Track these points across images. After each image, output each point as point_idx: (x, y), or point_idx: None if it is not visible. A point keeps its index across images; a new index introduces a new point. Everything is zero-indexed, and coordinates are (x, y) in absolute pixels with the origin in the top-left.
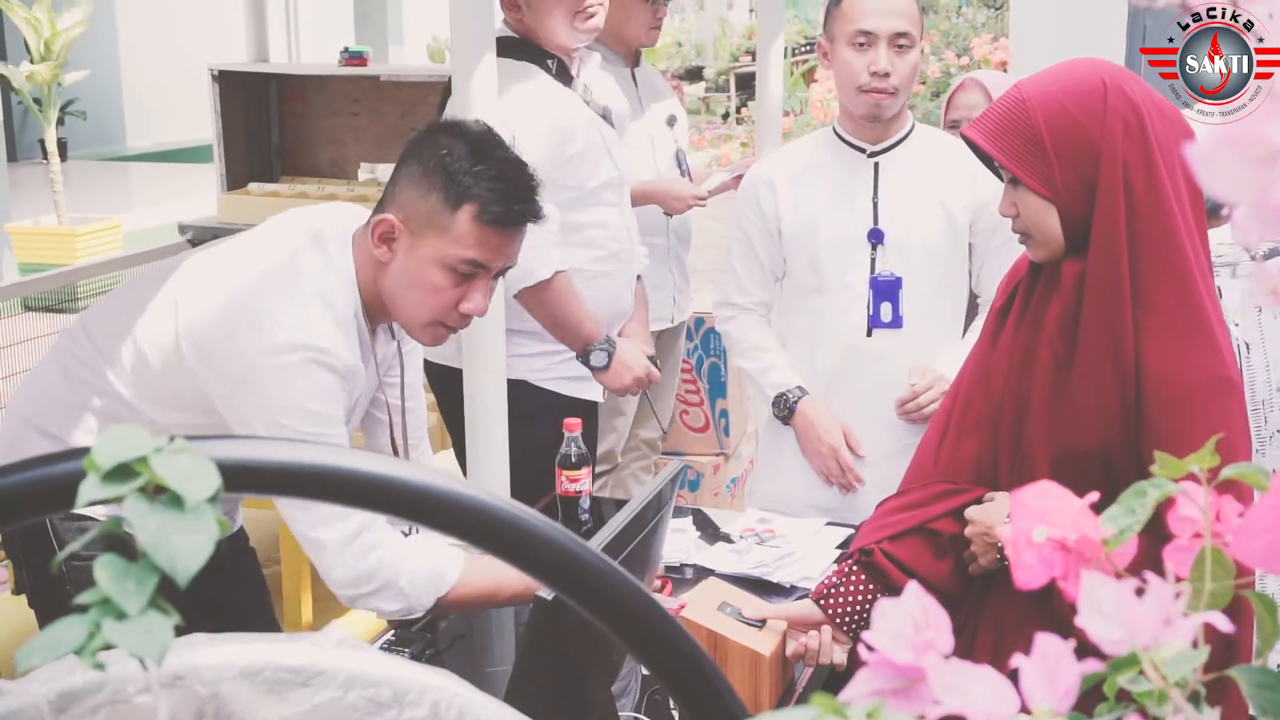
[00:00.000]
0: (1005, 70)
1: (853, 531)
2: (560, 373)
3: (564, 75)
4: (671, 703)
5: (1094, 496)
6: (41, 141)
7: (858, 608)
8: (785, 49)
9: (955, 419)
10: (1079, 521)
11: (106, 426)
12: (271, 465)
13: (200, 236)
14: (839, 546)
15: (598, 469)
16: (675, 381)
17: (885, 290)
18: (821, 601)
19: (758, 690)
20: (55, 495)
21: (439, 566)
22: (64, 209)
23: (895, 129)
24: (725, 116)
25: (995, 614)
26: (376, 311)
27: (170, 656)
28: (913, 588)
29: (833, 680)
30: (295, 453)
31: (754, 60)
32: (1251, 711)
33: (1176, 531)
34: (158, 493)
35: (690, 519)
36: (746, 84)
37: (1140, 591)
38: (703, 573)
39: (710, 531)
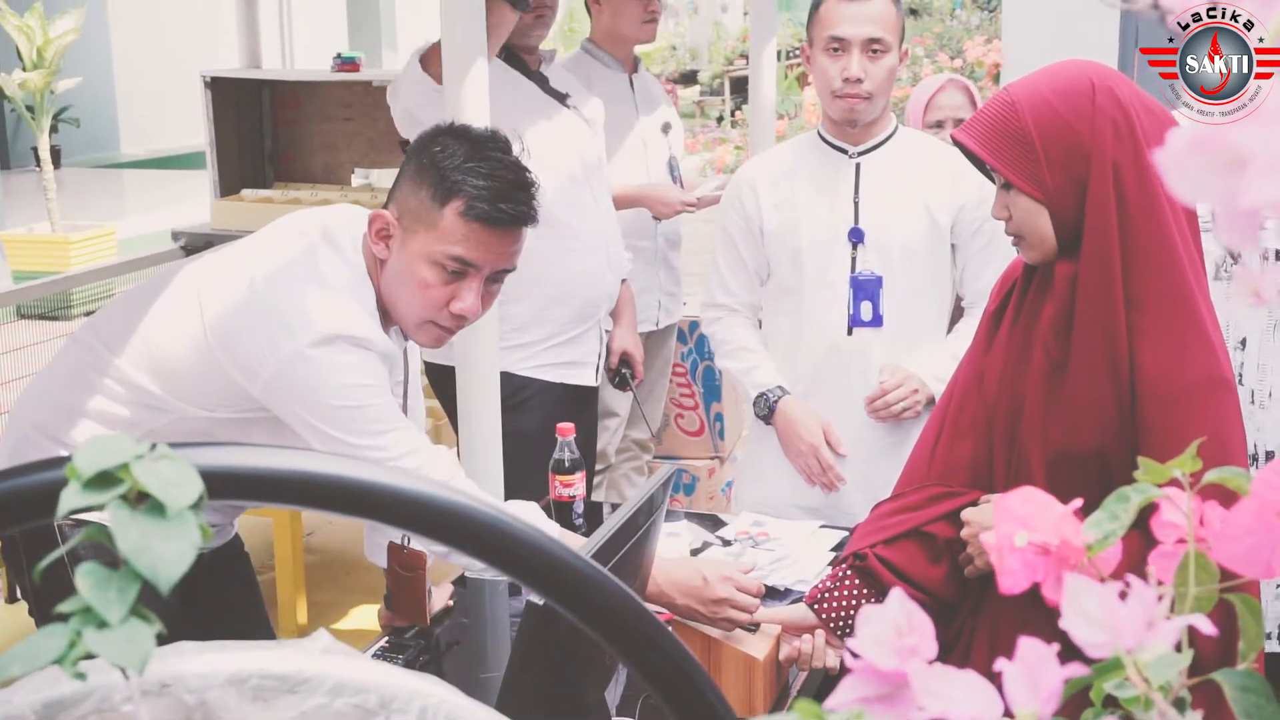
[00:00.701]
0: (999, 72)
1: (847, 534)
2: (547, 359)
3: (515, 61)
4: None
5: (1078, 502)
6: (34, 149)
7: (851, 612)
8: (779, 52)
9: (949, 422)
10: (1060, 526)
11: (130, 428)
12: (255, 472)
13: (193, 243)
14: (833, 549)
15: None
16: (665, 384)
17: (865, 289)
18: (815, 606)
19: (752, 694)
20: (37, 503)
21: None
22: (57, 216)
23: (877, 131)
24: (720, 120)
25: (991, 618)
26: (386, 311)
27: (157, 664)
28: (896, 594)
29: (827, 684)
30: (280, 460)
31: (748, 64)
32: (1236, 715)
33: (1161, 537)
34: (140, 500)
35: (684, 523)
36: (741, 87)
37: (1124, 595)
38: None
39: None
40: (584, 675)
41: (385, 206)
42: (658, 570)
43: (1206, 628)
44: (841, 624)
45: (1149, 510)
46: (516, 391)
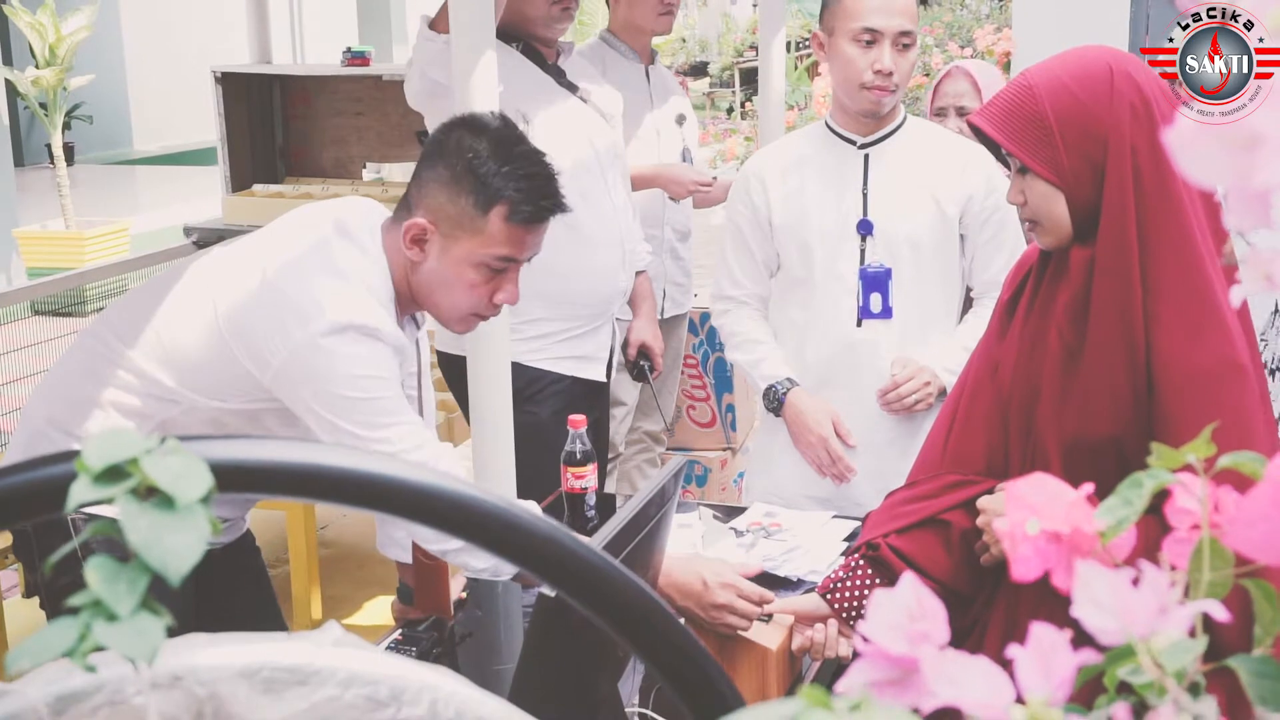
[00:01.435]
0: (1009, 61)
1: (859, 525)
2: (560, 352)
3: (533, 54)
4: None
5: (1089, 488)
6: (48, 146)
7: (864, 602)
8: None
9: (963, 411)
10: (1072, 514)
11: (142, 419)
12: (264, 465)
13: (205, 238)
14: (846, 539)
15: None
16: (676, 375)
17: (874, 281)
18: (828, 595)
19: (765, 684)
20: (47, 497)
21: None
22: (71, 213)
23: (887, 121)
24: (730, 111)
25: (1006, 609)
26: (405, 302)
27: (168, 657)
28: (908, 578)
29: (840, 674)
30: (289, 452)
31: (757, 55)
32: (1251, 701)
33: (1174, 523)
34: (149, 494)
35: (696, 514)
36: (751, 79)
37: (1136, 581)
38: None
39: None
40: (596, 667)
41: (411, 208)
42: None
43: (1221, 614)
44: (854, 614)
45: (1163, 496)
46: (530, 383)
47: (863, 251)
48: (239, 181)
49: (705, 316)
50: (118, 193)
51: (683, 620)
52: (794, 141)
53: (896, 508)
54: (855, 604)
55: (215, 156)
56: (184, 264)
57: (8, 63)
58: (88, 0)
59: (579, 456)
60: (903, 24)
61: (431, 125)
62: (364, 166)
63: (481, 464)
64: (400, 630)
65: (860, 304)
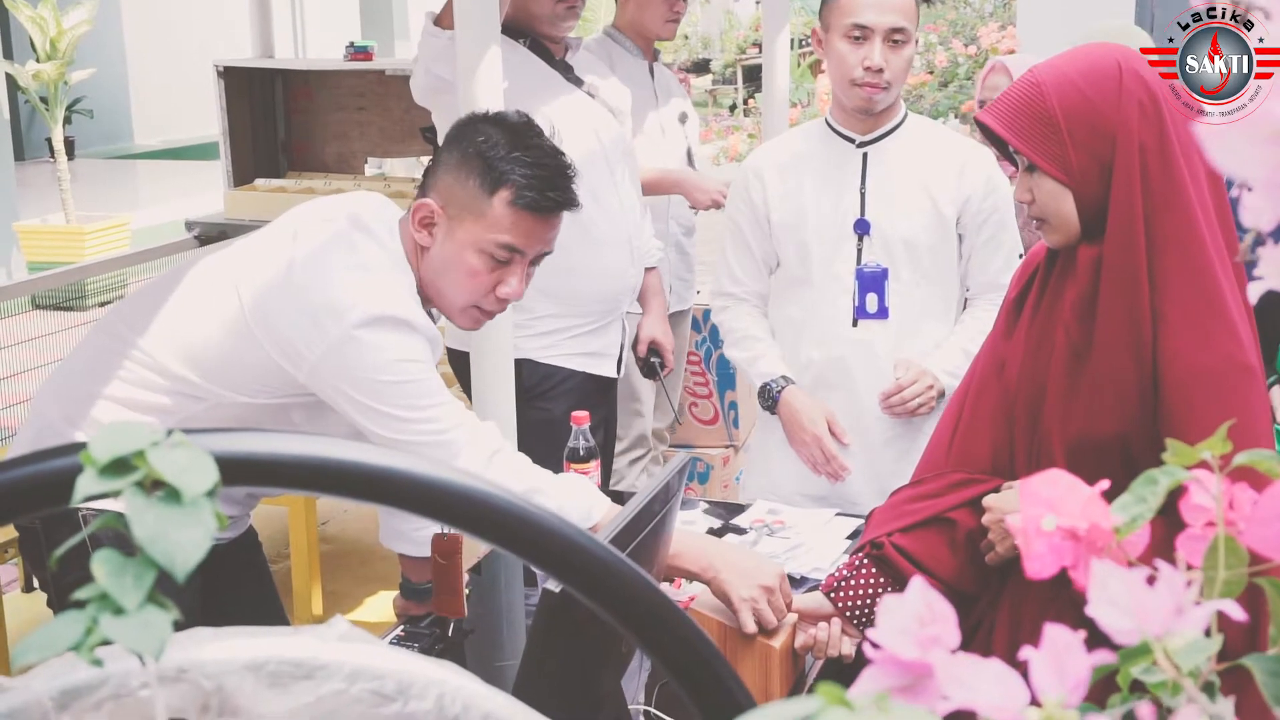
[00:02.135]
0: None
1: (862, 522)
2: (571, 348)
3: (539, 50)
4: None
5: (1104, 484)
6: (48, 140)
7: (868, 600)
8: (791, 40)
9: (969, 409)
10: (1088, 510)
11: (165, 415)
12: (269, 458)
13: (207, 233)
14: (849, 537)
15: (633, 455)
16: (680, 370)
17: (871, 281)
18: (831, 594)
19: (768, 683)
20: (53, 490)
21: (585, 503)
22: (71, 207)
23: (886, 119)
24: (732, 108)
25: (1011, 609)
26: (423, 297)
27: (174, 651)
28: (917, 583)
29: (842, 673)
30: (295, 445)
31: (760, 52)
32: (1266, 700)
33: (1189, 520)
34: (155, 487)
35: (700, 511)
36: (753, 76)
37: (1151, 580)
38: None
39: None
40: (600, 664)
41: (423, 194)
42: (710, 544)
43: (1236, 613)
44: (858, 612)
45: (1176, 494)
46: (543, 380)
47: (859, 251)
48: (241, 176)
49: (709, 313)
50: (118, 187)
51: (702, 610)
52: (794, 138)
53: (901, 506)
54: (859, 603)
55: (216, 151)
56: (198, 256)
57: (8, 56)
58: None
59: (582, 453)
60: (895, 20)
61: (436, 121)
62: (366, 161)
63: None
64: (402, 626)
65: (856, 304)
